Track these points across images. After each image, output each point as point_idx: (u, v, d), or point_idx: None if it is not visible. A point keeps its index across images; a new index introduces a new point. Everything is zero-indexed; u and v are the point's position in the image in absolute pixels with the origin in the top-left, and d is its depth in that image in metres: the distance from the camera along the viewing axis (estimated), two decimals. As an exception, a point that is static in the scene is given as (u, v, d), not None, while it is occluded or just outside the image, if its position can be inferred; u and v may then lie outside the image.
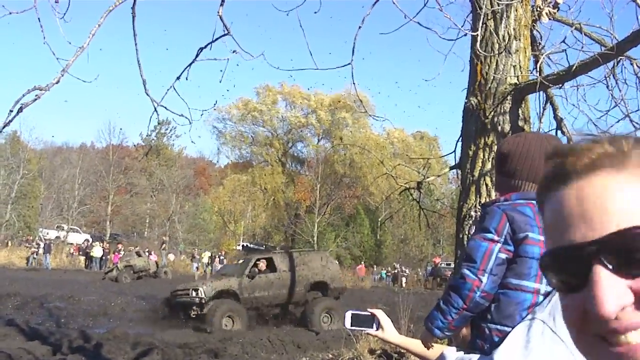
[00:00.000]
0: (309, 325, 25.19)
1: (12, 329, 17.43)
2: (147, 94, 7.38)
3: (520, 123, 6.88)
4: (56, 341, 15.77)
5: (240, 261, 29.21)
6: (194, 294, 24.75)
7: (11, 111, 6.15)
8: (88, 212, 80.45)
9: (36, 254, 56.73)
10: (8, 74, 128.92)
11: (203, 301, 24.50)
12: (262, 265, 26.59)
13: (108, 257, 57.04)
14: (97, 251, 57.78)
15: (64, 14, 6.47)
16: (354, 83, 7.57)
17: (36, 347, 14.61)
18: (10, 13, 6.36)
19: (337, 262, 33.55)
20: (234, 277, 26.01)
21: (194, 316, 24.64)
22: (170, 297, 26.45)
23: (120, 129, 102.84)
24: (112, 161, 78.35)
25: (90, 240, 67.43)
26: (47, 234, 67.04)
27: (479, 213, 6.59)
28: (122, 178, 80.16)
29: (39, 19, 6.35)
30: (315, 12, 7.52)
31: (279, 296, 26.35)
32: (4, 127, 6.81)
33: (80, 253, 61.88)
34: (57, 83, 6.30)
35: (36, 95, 6.14)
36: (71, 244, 67.79)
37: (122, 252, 54.70)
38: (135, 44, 7.25)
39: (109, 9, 6.57)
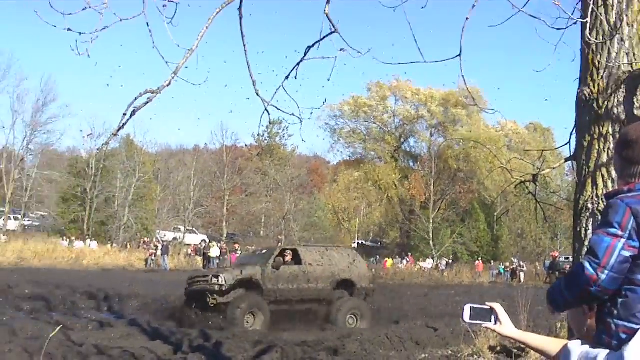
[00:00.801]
0: (333, 325, 23.21)
1: (134, 329, 17.83)
2: (257, 94, 7.45)
3: (636, 112, 6.67)
4: (177, 341, 16.05)
5: (264, 251, 27.20)
6: (214, 280, 23.02)
7: (124, 114, 6.30)
8: (204, 213, 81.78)
9: (154, 256, 58.03)
10: (121, 79, 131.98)
11: (223, 288, 22.80)
12: (288, 256, 24.88)
13: (225, 257, 57.74)
14: (214, 251, 58.60)
15: (172, 18, 6.57)
16: (462, 76, 7.47)
17: (158, 346, 14.91)
18: (121, 20, 6.50)
19: (364, 261, 30.54)
20: (257, 266, 24.16)
21: (212, 305, 22.71)
22: (186, 286, 24.80)
23: (232, 132, 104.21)
24: (227, 162, 79.43)
25: (207, 240, 68.63)
26: (165, 235, 68.47)
27: (596, 205, 6.45)
28: (237, 178, 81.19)
29: (147, 23, 6.47)
30: (422, 8, 7.46)
31: (303, 291, 24.37)
32: (118, 131, 6.98)
33: (198, 254, 62.98)
34: (168, 86, 6.42)
35: (148, 99, 6.27)
36: (188, 244, 69.16)
37: (239, 252, 55.45)
38: (244, 45, 7.32)
39: (216, 11, 6.65)
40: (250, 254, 29.31)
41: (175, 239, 70.38)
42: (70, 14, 6.35)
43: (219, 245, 61.41)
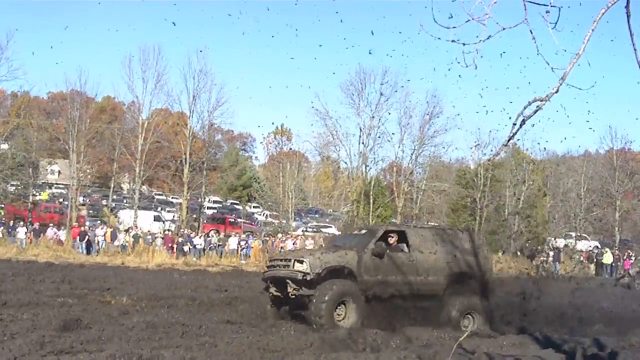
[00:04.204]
0: (448, 326, 18.85)
1: (526, 337, 17.72)
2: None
3: None
4: (569, 349, 15.74)
5: (363, 232, 22.01)
6: (297, 266, 18.65)
7: (514, 124, 6.40)
8: (595, 219, 79.74)
9: (546, 263, 57.49)
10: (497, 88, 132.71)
11: (307, 278, 18.38)
12: (392, 240, 20.11)
13: (619, 263, 56.15)
14: (607, 258, 57.15)
15: (555, 23, 6.55)
16: None
17: (550, 354, 14.73)
18: (504, 29, 6.59)
19: (486, 245, 24.44)
20: (353, 251, 19.39)
21: (292, 297, 18.84)
22: (264, 270, 20.87)
23: (621, 135, 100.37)
24: (616, 166, 76.96)
25: (599, 247, 67.06)
26: (556, 242, 67.70)
27: None
28: (628, 182, 78.32)
29: (530, 31, 6.51)
30: None
31: (409, 284, 19.51)
32: (508, 141, 7.15)
33: (590, 260, 61.48)
34: (556, 92, 6.42)
35: (537, 107, 6.33)
36: (580, 251, 67.76)
37: (633, 259, 53.53)
38: (633, 44, 7.09)
39: (602, 12, 6.55)
40: (348, 235, 24.16)
41: (566, 245, 69.30)
42: (454, 27, 6.59)
43: (612, 251, 59.74)
